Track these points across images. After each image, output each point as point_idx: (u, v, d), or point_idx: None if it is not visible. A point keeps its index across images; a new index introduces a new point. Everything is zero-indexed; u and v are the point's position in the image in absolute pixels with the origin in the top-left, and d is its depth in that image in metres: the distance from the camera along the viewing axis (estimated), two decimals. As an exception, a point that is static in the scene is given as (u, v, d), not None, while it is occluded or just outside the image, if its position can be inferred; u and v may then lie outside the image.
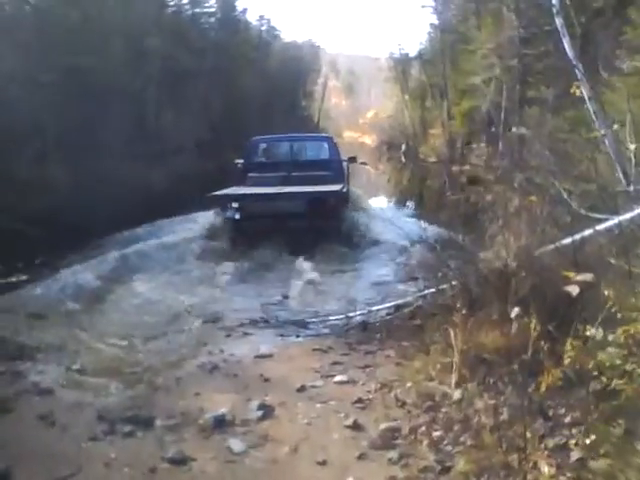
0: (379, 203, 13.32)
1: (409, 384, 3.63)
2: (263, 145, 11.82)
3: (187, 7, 26.93)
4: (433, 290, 4.73)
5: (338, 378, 3.94)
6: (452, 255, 4.78)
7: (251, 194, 9.13)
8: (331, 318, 5.16)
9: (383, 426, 3.18)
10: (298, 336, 4.92)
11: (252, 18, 33.72)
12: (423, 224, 8.77)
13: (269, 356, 4.46)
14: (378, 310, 5.06)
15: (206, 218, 9.64)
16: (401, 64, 40.09)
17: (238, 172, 10.58)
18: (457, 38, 26.52)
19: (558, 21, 6.91)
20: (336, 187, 9.22)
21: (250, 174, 10.39)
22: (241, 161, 10.90)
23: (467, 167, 23.48)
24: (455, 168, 24.45)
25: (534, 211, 4.28)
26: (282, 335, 4.94)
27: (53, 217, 9.15)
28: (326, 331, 4.99)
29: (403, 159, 36.76)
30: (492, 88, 22.50)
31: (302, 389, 3.79)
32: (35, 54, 13.69)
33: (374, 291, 6.14)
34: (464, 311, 3.97)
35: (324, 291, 6.49)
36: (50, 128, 14.14)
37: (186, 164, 19.28)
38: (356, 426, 3.24)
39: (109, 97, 16.76)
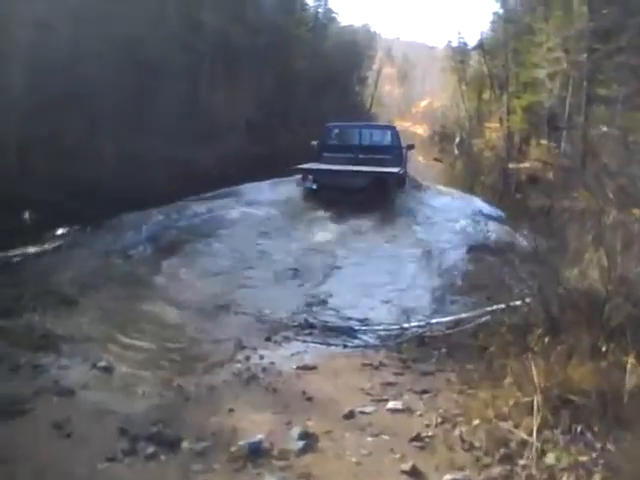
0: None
1: (476, 421, 3.10)
2: (336, 130, 13.55)
3: (245, -15, 26.55)
4: (503, 306, 4.18)
5: (392, 404, 3.42)
6: (528, 266, 4.21)
7: (326, 170, 10.90)
8: (382, 327, 4.65)
9: (447, 477, 2.67)
10: (345, 346, 4.42)
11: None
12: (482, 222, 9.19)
13: (313, 368, 3.97)
14: (437, 323, 4.51)
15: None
16: (460, 53, 38.93)
17: (315, 151, 12.22)
18: (522, 29, 25.43)
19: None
20: (395, 169, 10.91)
21: (325, 153, 12.07)
22: (317, 142, 12.53)
23: (526, 164, 22.56)
24: (512, 165, 23.55)
25: (633, 226, 3.68)
26: (328, 344, 4.45)
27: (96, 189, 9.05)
28: (377, 342, 4.47)
29: (456, 151, 35.90)
30: (557, 83, 21.48)
31: (350, 415, 3.29)
32: (86, 24, 13.47)
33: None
34: (546, 338, 3.44)
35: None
36: (100, 100, 13.93)
37: (235, 145, 18.97)
38: (414, 473, 2.72)
39: (161, 71, 16.51)
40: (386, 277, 6.44)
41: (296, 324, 4.77)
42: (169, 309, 5.11)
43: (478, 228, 8.72)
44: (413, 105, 63.01)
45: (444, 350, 4.20)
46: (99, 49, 13.31)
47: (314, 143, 12.46)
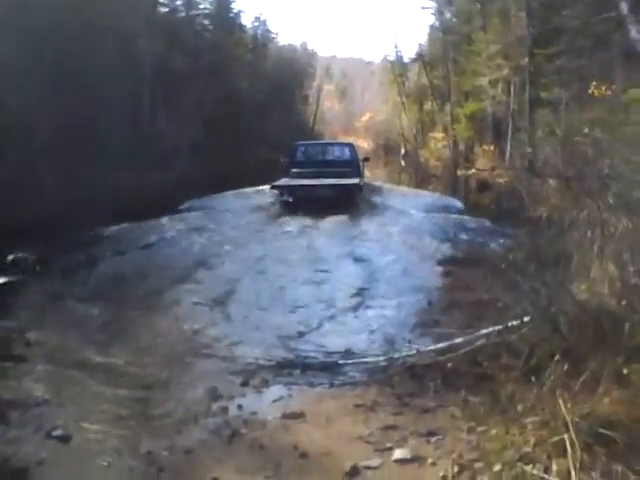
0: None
1: (498, 466, 2.71)
2: (302, 148, 15.44)
3: (181, 8, 26.12)
4: (499, 327, 3.84)
5: (398, 454, 2.99)
6: (528, 278, 3.89)
7: (299, 185, 12.61)
8: (368, 359, 4.23)
9: None
10: (332, 385, 3.97)
11: (247, 20, 32.91)
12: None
13: (300, 416, 3.50)
14: (427, 350, 4.12)
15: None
16: (398, 66, 39.38)
17: (284, 167, 14.38)
18: (460, 39, 25.83)
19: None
20: (355, 180, 12.80)
21: (293, 169, 13.81)
22: (285, 159, 14.96)
23: (473, 171, 22.74)
24: (461, 172, 23.72)
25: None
26: (312, 384, 4.00)
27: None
28: (365, 377, 4.03)
29: (402, 163, 36.13)
30: (499, 89, 21.79)
31: (354, 472, 2.83)
32: (23, 53, 12.81)
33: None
34: (559, 362, 3.10)
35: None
36: (39, 131, 13.25)
37: (181, 168, 18.43)
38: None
39: (101, 99, 15.88)
40: (358, 292, 6.15)
41: (273, 363, 4.30)
42: (129, 356, 4.56)
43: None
44: (355, 120, 63.36)
45: (440, 381, 3.81)
46: (34, 80, 12.67)
47: (283, 160, 14.96)
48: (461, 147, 26.75)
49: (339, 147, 16.09)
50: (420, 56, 32.99)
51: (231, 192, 14.21)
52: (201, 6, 27.41)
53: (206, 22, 28.21)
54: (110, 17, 17.81)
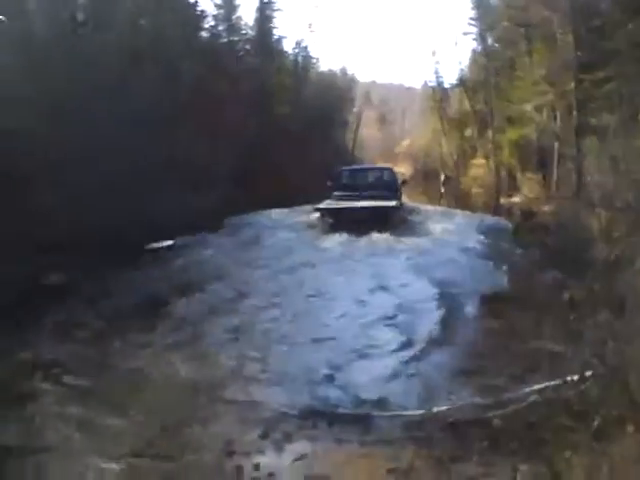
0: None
1: None
2: (346, 172, 17.04)
3: (223, 33, 26.35)
4: (557, 382, 3.35)
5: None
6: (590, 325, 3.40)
7: (341, 208, 13.34)
8: (404, 412, 3.76)
9: None
10: (363, 443, 3.51)
11: (289, 46, 33.05)
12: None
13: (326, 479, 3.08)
14: (471, 404, 3.63)
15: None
16: (439, 92, 39.02)
17: (329, 189, 15.14)
18: (502, 64, 25.33)
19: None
20: (392, 203, 13.49)
21: (337, 192, 14.75)
22: (330, 183, 15.51)
23: (517, 199, 22.03)
24: (503, 200, 23.03)
25: None
26: (340, 440, 3.55)
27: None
28: (400, 434, 3.57)
29: (442, 189, 35.51)
30: (544, 115, 21.14)
31: None
32: (61, 77, 12.87)
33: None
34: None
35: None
36: (75, 156, 13.22)
37: (221, 195, 18.24)
38: None
39: (138, 122, 15.88)
40: (394, 329, 5.69)
41: (297, 413, 3.88)
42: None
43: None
44: (395, 146, 63.11)
45: (486, 442, 3.32)
46: (72, 105, 12.69)
47: (329, 183, 15.50)
48: (503, 174, 26.06)
49: (379, 171, 17.57)
50: (462, 81, 32.55)
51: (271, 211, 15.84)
52: (242, 31, 27.59)
53: (247, 47, 28.38)
54: (153, 42, 18.03)
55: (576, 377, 3.27)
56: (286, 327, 5.90)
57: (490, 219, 15.62)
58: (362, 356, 5.03)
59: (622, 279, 4.23)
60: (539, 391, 3.37)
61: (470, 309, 6.40)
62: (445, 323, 5.76)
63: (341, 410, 3.91)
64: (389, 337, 5.48)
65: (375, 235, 11.66)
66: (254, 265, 9.33)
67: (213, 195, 17.45)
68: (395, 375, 4.52)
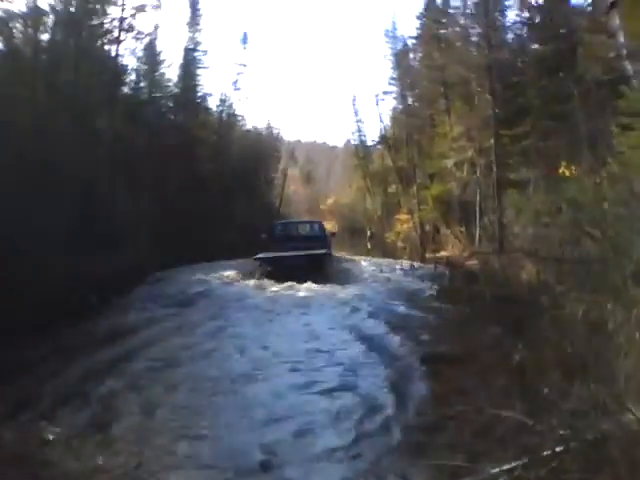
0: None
1: None
2: (280, 226, 18.80)
3: (145, 89, 25.87)
4: (524, 461, 2.91)
5: None
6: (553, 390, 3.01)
7: (278, 257, 14.52)
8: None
9: None
10: None
11: (213, 103, 32.90)
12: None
13: None
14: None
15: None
16: (362, 150, 39.81)
17: (264, 241, 16.66)
18: (423, 122, 26.09)
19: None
20: (323, 250, 15.15)
21: (273, 243, 16.12)
22: (265, 235, 17.31)
23: (443, 253, 22.25)
24: (429, 255, 23.20)
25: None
26: None
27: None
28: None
29: (369, 245, 35.69)
30: (464, 171, 21.70)
31: None
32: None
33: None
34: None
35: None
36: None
37: (140, 252, 17.35)
38: None
39: (54, 180, 14.99)
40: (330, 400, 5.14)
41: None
42: None
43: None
44: (320, 203, 63.73)
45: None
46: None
47: (263, 236, 17.30)
48: (428, 229, 26.45)
49: (310, 224, 19.69)
50: (384, 139, 33.31)
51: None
52: (166, 87, 27.22)
53: (170, 104, 27.97)
54: (68, 95, 17.30)
55: (548, 452, 2.85)
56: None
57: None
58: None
59: (575, 337, 3.91)
60: (508, 471, 2.92)
61: (411, 370, 5.98)
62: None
63: None
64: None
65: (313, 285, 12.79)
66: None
67: (133, 252, 16.62)
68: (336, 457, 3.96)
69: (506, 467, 2.92)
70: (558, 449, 2.82)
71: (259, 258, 14.72)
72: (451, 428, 3.90)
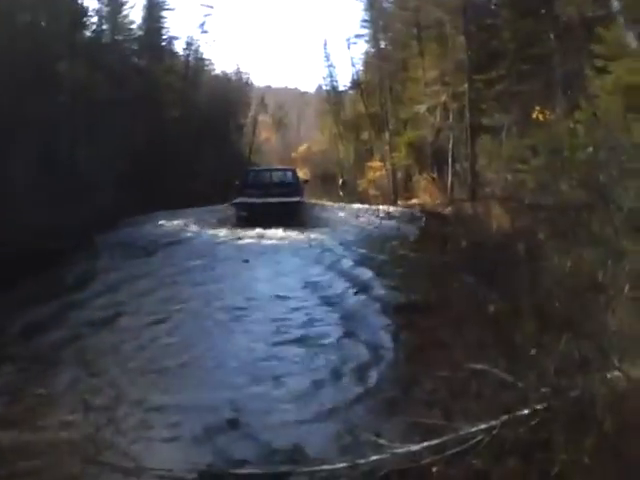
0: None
1: None
2: (252, 173, 19.80)
3: (106, 32, 24.67)
4: (504, 418, 2.78)
5: None
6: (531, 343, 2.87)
7: (252, 202, 15.18)
8: (325, 467, 3.07)
9: None
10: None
11: (179, 47, 31.65)
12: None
13: None
14: (405, 452, 2.99)
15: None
16: (334, 95, 39.06)
17: (237, 188, 16.74)
18: (396, 66, 25.48)
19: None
20: (297, 198, 15.84)
21: (246, 190, 16.33)
22: (238, 182, 17.35)
23: (415, 201, 22.12)
24: (401, 202, 23.04)
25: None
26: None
27: None
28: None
29: (340, 192, 35.44)
30: (438, 117, 21.33)
31: None
32: None
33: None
34: None
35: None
36: None
37: (106, 202, 16.84)
38: None
39: (11, 129, 14.31)
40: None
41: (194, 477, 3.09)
42: None
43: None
44: (292, 151, 62.91)
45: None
46: None
47: (237, 183, 17.31)
48: (400, 176, 26.21)
49: (283, 172, 19.63)
50: (356, 84, 32.62)
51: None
52: (129, 29, 26.03)
53: (134, 47, 26.82)
54: (26, 39, 16.39)
55: (528, 410, 2.73)
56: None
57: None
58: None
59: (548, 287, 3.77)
60: (485, 430, 2.79)
61: (383, 318, 5.87)
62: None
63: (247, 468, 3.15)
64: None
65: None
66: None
67: (98, 203, 16.16)
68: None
69: (483, 426, 2.79)
70: (539, 407, 2.70)
71: (235, 203, 15.45)
72: (427, 383, 3.78)
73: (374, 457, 2.92)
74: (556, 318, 3.11)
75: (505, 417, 2.75)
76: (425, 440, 2.92)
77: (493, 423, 2.77)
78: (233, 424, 3.66)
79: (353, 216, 16.55)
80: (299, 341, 5.29)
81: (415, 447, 2.90)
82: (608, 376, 2.57)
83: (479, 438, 2.79)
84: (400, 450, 2.92)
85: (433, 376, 3.77)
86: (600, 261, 3.09)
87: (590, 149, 3.79)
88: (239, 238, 12.87)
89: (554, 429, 2.57)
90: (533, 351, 2.89)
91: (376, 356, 4.80)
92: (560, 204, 6.86)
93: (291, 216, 14.47)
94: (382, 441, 3.02)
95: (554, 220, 5.48)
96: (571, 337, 2.81)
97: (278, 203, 14.81)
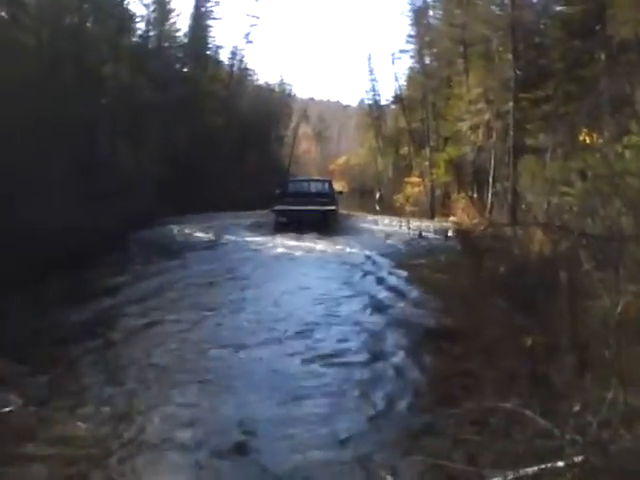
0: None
1: None
2: (292, 183, 20.65)
3: (153, 38, 25.04)
4: (534, 469, 2.50)
5: None
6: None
7: (291, 209, 16.25)
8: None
9: None
10: None
11: (224, 56, 31.94)
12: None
13: None
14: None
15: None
16: (376, 109, 38.92)
17: (277, 196, 17.62)
18: (440, 82, 25.18)
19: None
20: (332, 207, 16.98)
21: (286, 198, 17.21)
22: (278, 191, 18.31)
23: (452, 219, 21.67)
24: (438, 219, 22.61)
25: None
26: None
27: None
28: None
29: (377, 207, 35.13)
30: (480, 135, 20.92)
31: None
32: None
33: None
34: None
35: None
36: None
37: (144, 207, 16.92)
38: None
39: (56, 129, 14.49)
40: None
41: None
42: None
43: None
44: (330, 163, 62.89)
45: None
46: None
47: (277, 192, 18.30)
48: (438, 193, 25.82)
49: (320, 182, 20.79)
50: (398, 99, 32.38)
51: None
52: (175, 38, 26.40)
53: (179, 55, 27.15)
54: (72, 42, 16.68)
55: (562, 463, 2.44)
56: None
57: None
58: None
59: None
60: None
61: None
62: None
63: None
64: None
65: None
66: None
67: (136, 206, 16.27)
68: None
69: (511, 476, 2.51)
70: (576, 459, 2.41)
71: (275, 210, 16.70)
72: (451, 419, 3.50)
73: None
74: (599, 360, 2.82)
75: (536, 468, 2.47)
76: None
77: (522, 472, 2.49)
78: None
79: (387, 227, 17.54)
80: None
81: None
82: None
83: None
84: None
85: (459, 412, 3.48)
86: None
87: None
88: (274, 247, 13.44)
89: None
90: (570, 394, 2.60)
91: (401, 382, 4.54)
92: (607, 232, 6.51)
93: (326, 223, 15.93)
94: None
95: (601, 249, 5.16)
96: (617, 385, 2.52)
97: (315, 211, 16.13)
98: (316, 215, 16.02)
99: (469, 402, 3.39)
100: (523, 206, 17.16)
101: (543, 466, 2.45)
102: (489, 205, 19.60)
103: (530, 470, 2.49)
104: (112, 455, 3.38)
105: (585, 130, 11.94)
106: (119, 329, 6.11)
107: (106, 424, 3.76)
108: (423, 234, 16.21)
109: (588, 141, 11.70)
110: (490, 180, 19.56)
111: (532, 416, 2.80)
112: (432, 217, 23.48)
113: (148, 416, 3.92)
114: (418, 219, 23.25)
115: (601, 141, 11.41)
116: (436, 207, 24.90)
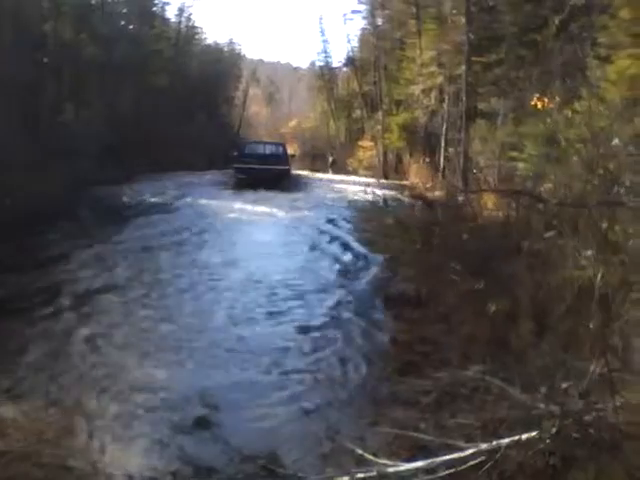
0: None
1: None
2: (248, 145, 22.23)
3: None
4: (506, 441, 2.47)
5: None
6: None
7: (250, 167, 18.07)
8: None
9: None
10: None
11: (171, 13, 30.75)
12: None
13: None
14: (395, 470, 2.68)
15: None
16: (327, 72, 38.35)
17: (234, 157, 19.39)
18: (392, 45, 24.94)
19: None
20: (286, 167, 19.39)
21: (242, 158, 18.88)
22: (235, 153, 19.80)
23: (406, 182, 21.73)
24: (391, 183, 22.63)
25: None
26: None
27: None
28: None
29: (330, 171, 34.98)
30: (432, 99, 20.89)
31: None
32: None
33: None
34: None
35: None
36: None
37: (85, 171, 16.25)
38: None
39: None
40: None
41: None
42: None
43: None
44: (282, 126, 61.99)
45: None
46: None
47: (235, 153, 19.83)
48: (391, 157, 25.81)
49: (274, 145, 22.18)
50: (350, 61, 32.00)
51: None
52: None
53: (124, 11, 25.98)
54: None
55: (534, 433, 2.42)
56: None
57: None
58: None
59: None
60: (489, 451, 2.48)
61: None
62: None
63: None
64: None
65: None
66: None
67: (84, 164, 15.72)
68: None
69: (485, 447, 2.48)
70: (553, 430, 2.38)
71: (235, 167, 18.81)
72: (417, 388, 3.45)
73: (360, 475, 2.60)
74: (561, 326, 2.80)
75: (508, 440, 2.43)
76: (414, 456, 2.60)
77: (495, 444, 2.46)
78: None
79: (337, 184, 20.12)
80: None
81: (405, 465, 2.58)
82: (633, 402, 2.26)
83: (479, 459, 2.49)
84: (389, 469, 2.60)
85: (424, 380, 3.44)
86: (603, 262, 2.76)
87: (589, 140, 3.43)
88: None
89: (565, 456, 2.27)
90: (537, 361, 2.56)
91: (362, 349, 4.48)
92: (557, 196, 6.56)
93: (280, 180, 17.98)
94: (367, 455, 2.70)
95: (555, 215, 5.18)
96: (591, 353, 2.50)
97: (271, 169, 18.21)
98: (272, 173, 18.04)
99: (436, 371, 3.34)
100: (475, 170, 17.35)
101: (517, 437, 2.42)
102: (441, 169, 19.70)
103: (503, 442, 2.46)
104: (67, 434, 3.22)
105: (536, 95, 12.01)
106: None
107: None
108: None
109: (539, 106, 11.79)
110: (442, 144, 19.62)
111: (501, 384, 2.77)
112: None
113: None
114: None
115: (552, 106, 11.51)
116: (389, 171, 24.93)
